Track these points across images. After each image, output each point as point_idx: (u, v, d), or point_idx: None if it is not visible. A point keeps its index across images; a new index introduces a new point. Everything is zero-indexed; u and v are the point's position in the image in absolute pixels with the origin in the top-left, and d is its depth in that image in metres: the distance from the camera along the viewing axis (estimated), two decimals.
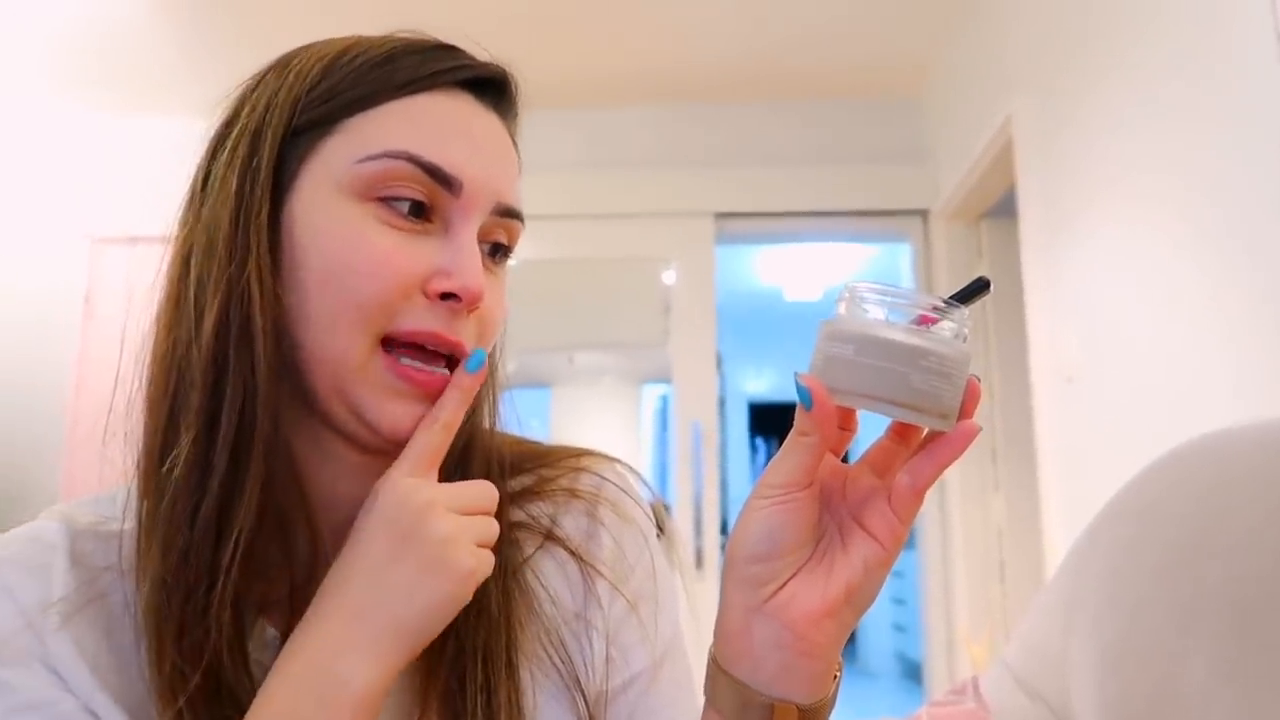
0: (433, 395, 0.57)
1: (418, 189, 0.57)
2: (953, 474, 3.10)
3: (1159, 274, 1.77)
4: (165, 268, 0.61)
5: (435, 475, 0.56)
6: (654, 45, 3.10)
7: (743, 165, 3.40)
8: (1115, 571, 0.54)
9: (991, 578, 2.99)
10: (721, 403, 3.61)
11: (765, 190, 3.38)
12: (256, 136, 0.58)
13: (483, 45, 0.65)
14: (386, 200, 0.56)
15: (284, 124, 0.58)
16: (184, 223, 0.60)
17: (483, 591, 0.58)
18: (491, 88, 0.64)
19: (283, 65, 0.62)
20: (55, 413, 3.39)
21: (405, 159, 0.56)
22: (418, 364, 0.57)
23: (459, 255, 0.57)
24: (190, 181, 0.62)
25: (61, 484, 3.35)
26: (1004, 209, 2.91)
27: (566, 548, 0.65)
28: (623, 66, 3.27)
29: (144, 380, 0.61)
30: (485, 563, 0.54)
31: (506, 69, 0.65)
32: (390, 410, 0.56)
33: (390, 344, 0.56)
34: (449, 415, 0.56)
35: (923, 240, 3.38)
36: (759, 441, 8.56)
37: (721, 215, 3.36)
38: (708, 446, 3.20)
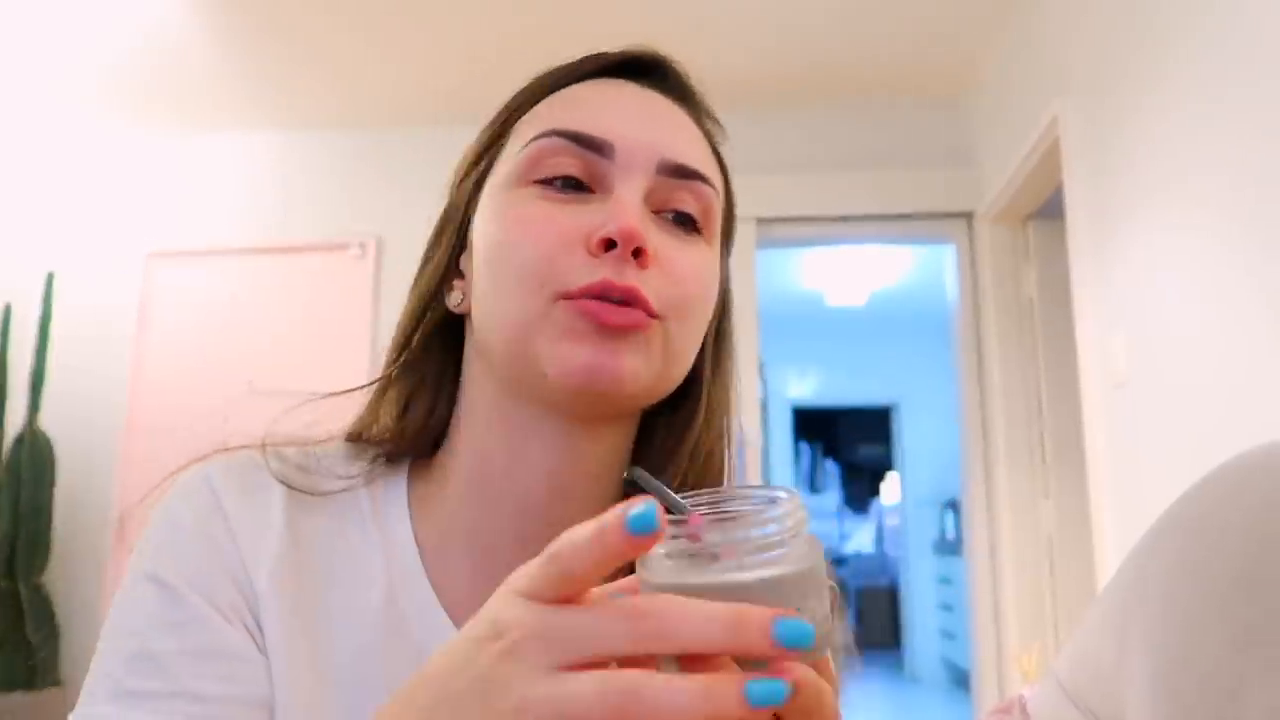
0: (617, 336, 0.53)
1: (571, 163, 0.57)
2: (1001, 480, 3.05)
3: (1211, 276, 1.73)
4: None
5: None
6: (694, 49, 3.08)
7: (784, 169, 3.38)
8: (1172, 588, 0.52)
9: (1041, 586, 2.94)
10: (764, 407, 3.60)
11: (807, 194, 3.36)
12: (462, 179, 0.64)
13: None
14: (544, 181, 0.57)
15: (469, 156, 0.64)
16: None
17: None
18: (646, 73, 0.64)
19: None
20: (113, 421, 3.47)
21: (551, 134, 0.57)
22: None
23: (615, 205, 0.55)
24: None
25: (117, 491, 3.43)
26: (1051, 210, 2.86)
27: None
28: None
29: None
30: None
31: (655, 52, 0.65)
32: (561, 351, 0.53)
33: (566, 300, 0.54)
34: (612, 552, 0.34)
35: (967, 243, 3.33)
36: (803, 446, 8.51)
37: (763, 220, 3.34)
38: (751, 451, 3.19)
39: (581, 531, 0.34)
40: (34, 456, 3.27)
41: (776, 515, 0.38)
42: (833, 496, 8.91)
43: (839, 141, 3.42)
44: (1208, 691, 0.47)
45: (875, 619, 7.74)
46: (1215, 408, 1.70)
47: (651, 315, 0.54)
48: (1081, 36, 2.36)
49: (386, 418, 0.61)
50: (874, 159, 3.39)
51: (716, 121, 0.66)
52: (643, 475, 0.43)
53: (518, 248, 0.55)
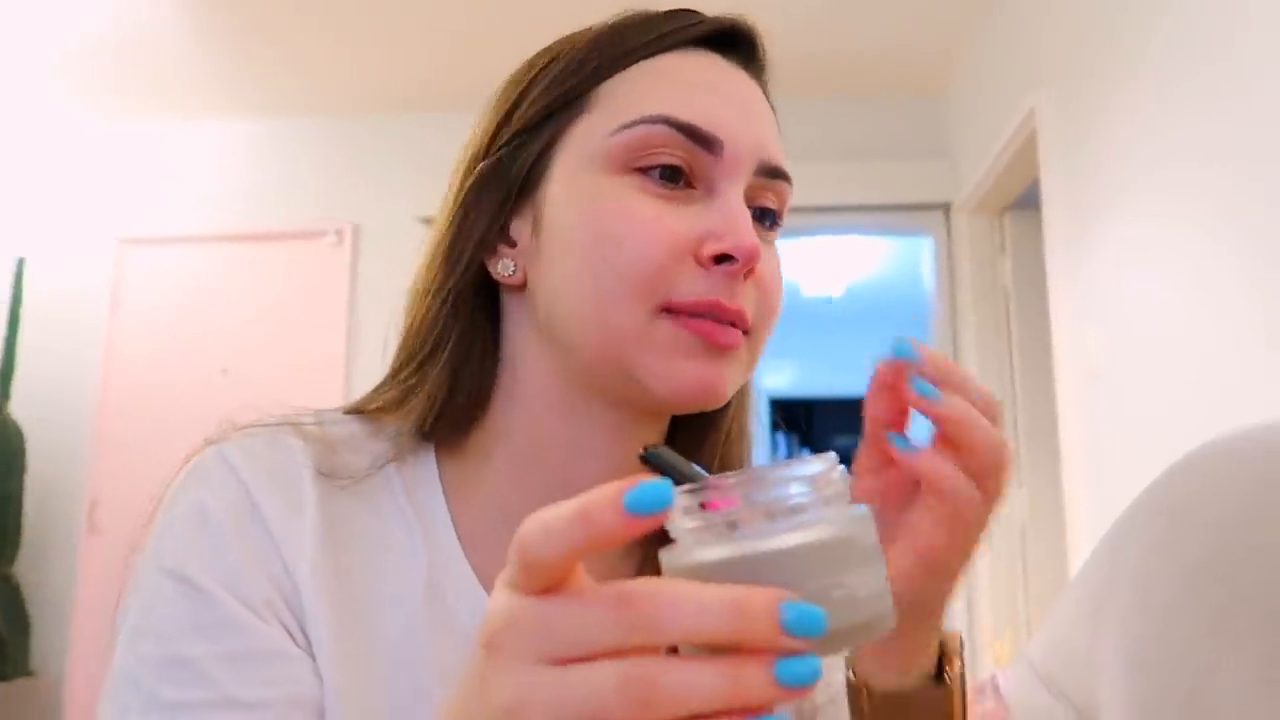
0: (724, 354, 0.53)
1: (675, 154, 0.53)
2: None
3: (1186, 266, 1.75)
4: (420, 255, 0.60)
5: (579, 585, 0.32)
6: None
7: None
8: (1146, 571, 0.53)
9: (1014, 574, 2.97)
10: None
11: (787, 167, 3.36)
12: (495, 135, 0.58)
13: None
14: (644, 170, 0.53)
15: (532, 110, 0.57)
16: (439, 218, 0.60)
17: None
18: (733, 44, 0.60)
19: (517, 70, 0.61)
20: (85, 408, 3.44)
21: (662, 123, 0.53)
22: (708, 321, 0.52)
23: (728, 214, 0.53)
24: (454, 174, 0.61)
25: (91, 476, 3.39)
26: (1027, 202, 2.88)
27: None
28: None
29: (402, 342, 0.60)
30: None
31: (751, 26, 0.62)
32: (669, 369, 0.52)
33: (671, 313, 0.52)
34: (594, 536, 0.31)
35: (945, 234, 3.36)
36: (780, 437, 8.54)
37: None
38: None
39: (552, 514, 0.30)
40: (4, 444, 3.23)
41: (802, 475, 0.34)
42: None
43: (818, 133, 3.43)
44: (1180, 673, 0.48)
45: None
46: (1189, 398, 1.73)
47: (747, 331, 0.54)
48: (1057, 30, 2.38)
49: (433, 392, 0.56)
50: (853, 151, 3.40)
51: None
52: (659, 451, 0.40)
53: (622, 248, 0.52)
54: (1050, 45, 2.44)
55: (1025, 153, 2.61)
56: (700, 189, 0.54)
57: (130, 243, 3.59)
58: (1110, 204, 2.08)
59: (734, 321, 0.53)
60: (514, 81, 0.59)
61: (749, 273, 0.53)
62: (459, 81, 3.06)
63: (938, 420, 0.44)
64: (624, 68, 0.56)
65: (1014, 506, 3.01)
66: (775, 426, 7.82)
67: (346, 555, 0.54)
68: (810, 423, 9.22)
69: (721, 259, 0.52)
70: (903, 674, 0.48)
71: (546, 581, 0.31)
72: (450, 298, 0.57)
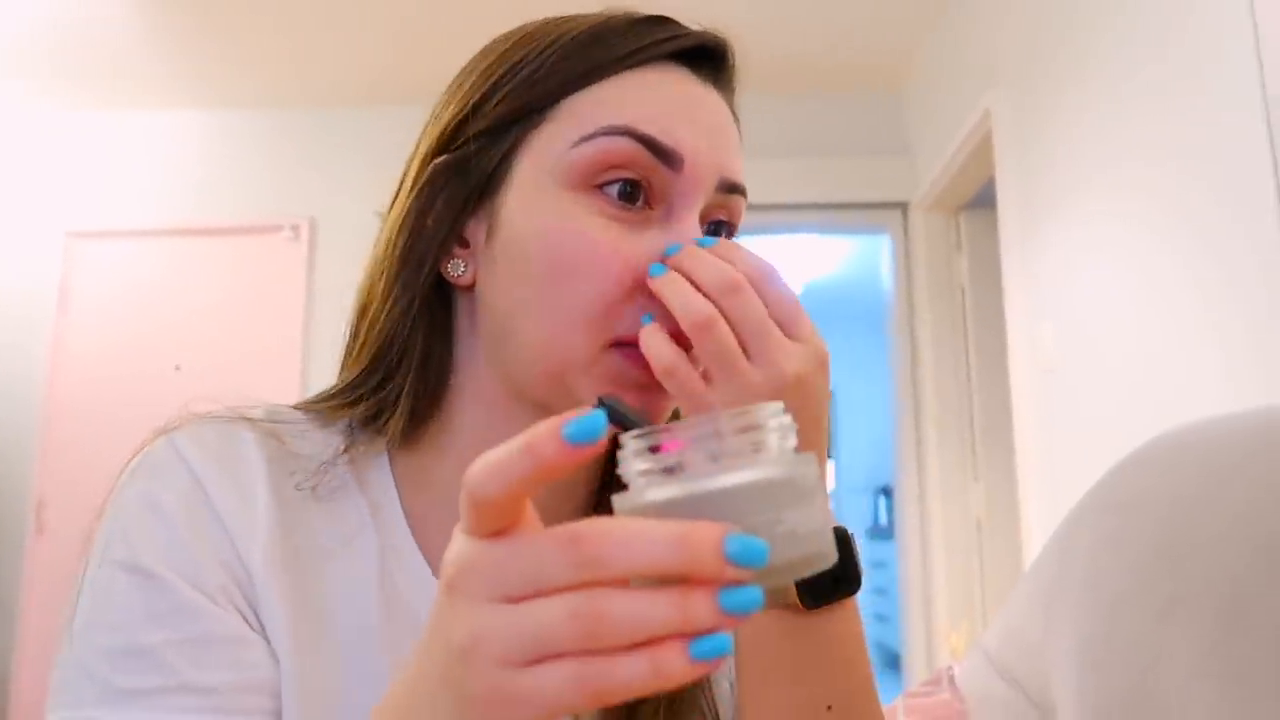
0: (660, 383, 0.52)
1: (635, 171, 0.53)
2: (932, 465, 3.12)
3: (1138, 264, 1.79)
4: (374, 248, 0.60)
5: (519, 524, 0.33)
6: None
7: None
8: (1096, 564, 0.54)
9: (970, 567, 3.01)
10: None
11: (746, 182, 3.37)
12: (457, 130, 0.57)
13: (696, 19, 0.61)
14: (603, 187, 0.53)
15: (501, 110, 0.56)
16: (392, 209, 0.59)
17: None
18: (707, 60, 0.60)
19: (486, 52, 0.59)
20: (32, 406, 3.35)
21: (624, 134, 0.53)
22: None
23: (680, 242, 0.53)
24: (402, 171, 0.60)
25: (37, 473, 3.31)
26: (983, 201, 2.93)
27: None
28: None
29: (354, 354, 0.59)
30: (550, 689, 0.30)
31: (725, 37, 0.61)
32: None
33: (620, 346, 0.53)
34: (539, 466, 0.32)
35: (902, 232, 3.39)
36: None
37: None
38: None
39: (496, 452, 0.32)
40: None
41: (747, 420, 0.35)
42: None
43: (778, 131, 3.44)
44: (1130, 662, 0.49)
45: None
46: (1144, 393, 1.76)
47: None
48: (1012, 30, 2.41)
49: (398, 396, 0.56)
50: (811, 148, 3.42)
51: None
52: (613, 401, 0.41)
53: (576, 279, 0.52)
54: (1006, 45, 2.47)
55: (981, 152, 2.65)
56: (659, 210, 0.55)
57: (79, 236, 3.51)
58: (1063, 203, 2.12)
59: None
60: (482, 73, 0.58)
61: None
62: (415, 75, 3.03)
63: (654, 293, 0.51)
64: (596, 81, 0.55)
65: (971, 501, 3.05)
66: None
67: (299, 544, 0.54)
68: None
69: None
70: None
71: (497, 522, 0.32)
72: (412, 303, 0.56)
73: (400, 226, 0.57)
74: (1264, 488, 0.48)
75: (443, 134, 0.58)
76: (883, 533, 6.40)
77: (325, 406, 0.58)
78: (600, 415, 0.31)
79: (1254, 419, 0.52)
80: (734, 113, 0.62)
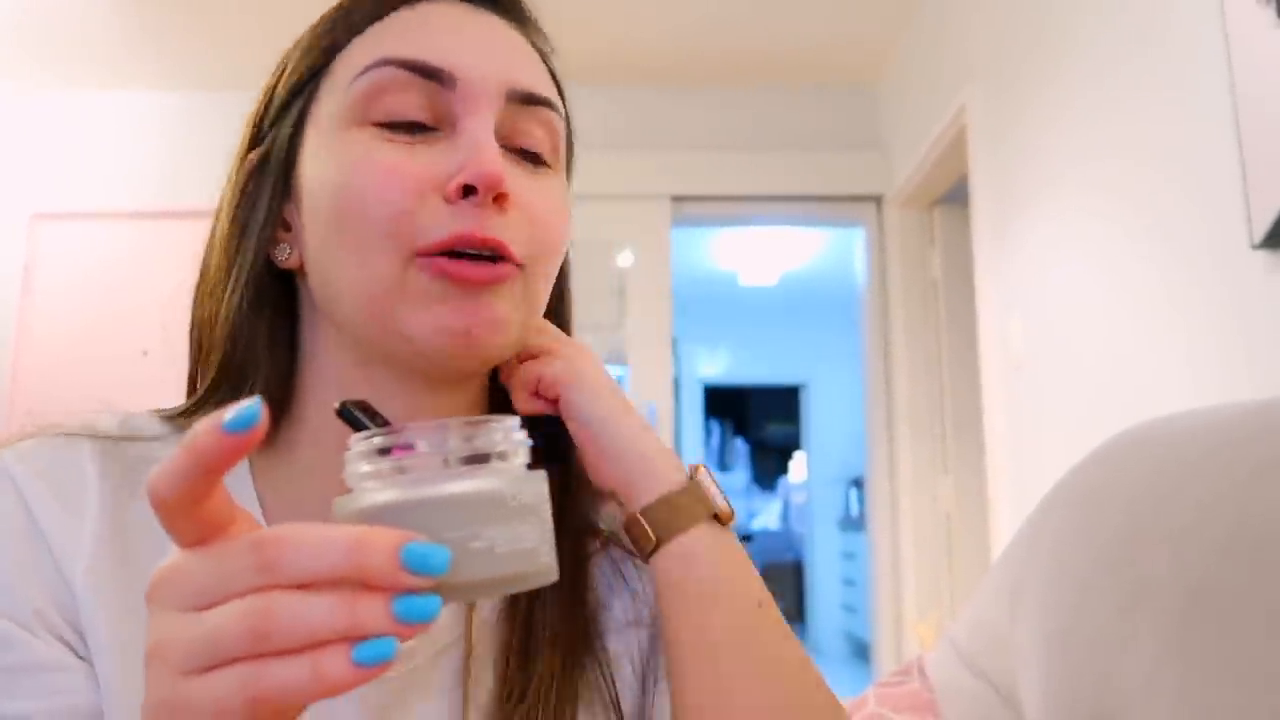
0: (482, 291, 0.51)
1: (412, 101, 0.52)
2: (903, 457, 3.15)
3: (1108, 261, 1.81)
4: (204, 254, 0.61)
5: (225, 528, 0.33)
6: (610, 27, 3.08)
7: (699, 149, 3.40)
8: (1061, 557, 0.54)
9: (939, 559, 3.04)
10: (676, 385, 3.62)
11: (722, 173, 3.38)
12: (260, 122, 0.58)
13: None
14: (384, 124, 0.52)
15: (284, 90, 0.57)
16: (219, 215, 0.60)
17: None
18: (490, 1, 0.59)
19: (285, 53, 0.61)
20: None
21: (387, 64, 0.52)
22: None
23: (470, 145, 0.51)
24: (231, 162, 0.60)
25: None
26: (957, 196, 2.94)
27: (629, 550, 0.58)
28: (578, 48, 3.22)
29: (190, 346, 0.59)
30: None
31: None
32: (426, 318, 0.50)
33: (422, 258, 0.51)
34: (201, 461, 0.32)
35: (876, 226, 3.41)
36: (714, 424, 8.61)
37: (678, 198, 3.35)
38: (663, 429, 3.21)
39: (167, 458, 0.32)
40: None
41: (475, 432, 0.35)
42: (741, 474, 9.05)
43: (754, 123, 3.44)
44: (1095, 651, 0.50)
45: (779, 594, 7.87)
46: (1112, 389, 1.78)
47: (516, 264, 0.52)
48: (987, 26, 2.43)
49: (250, 384, 0.55)
50: (788, 142, 3.43)
51: (548, 42, 0.62)
52: (348, 405, 0.42)
53: (364, 201, 0.51)
54: (981, 42, 2.48)
55: (955, 148, 2.67)
56: (445, 131, 0.53)
57: (44, 218, 3.44)
58: (1035, 199, 2.14)
59: (492, 254, 0.51)
60: (278, 64, 0.59)
61: (500, 200, 0.51)
62: None
63: None
64: (362, 30, 0.55)
65: (940, 494, 3.08)
66: (709, 413, 7.88)
67: (139, 556, 0.52)
68: (744, 410, 9.30)
69: (467, 191, 0.51)
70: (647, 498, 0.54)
71: (195, 530, 0.32)
72: (244, 298, 0.56)
73: (228, 229, 0.57)
74: (1226, 482, 0.48)
75: (251, 129, 0.59)
76: (854, 524, 6.45)
77: (181, 413, 0.58)
78: (256, 402, 0.31)
79: (1216, 415, 0.53)
80: (537, 45, 0.60)
